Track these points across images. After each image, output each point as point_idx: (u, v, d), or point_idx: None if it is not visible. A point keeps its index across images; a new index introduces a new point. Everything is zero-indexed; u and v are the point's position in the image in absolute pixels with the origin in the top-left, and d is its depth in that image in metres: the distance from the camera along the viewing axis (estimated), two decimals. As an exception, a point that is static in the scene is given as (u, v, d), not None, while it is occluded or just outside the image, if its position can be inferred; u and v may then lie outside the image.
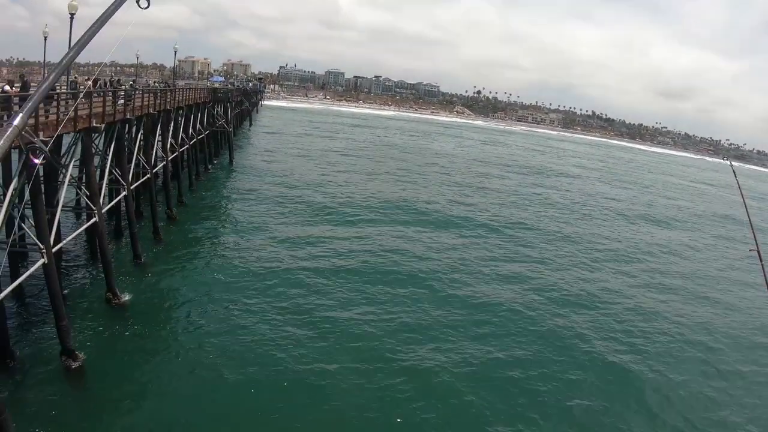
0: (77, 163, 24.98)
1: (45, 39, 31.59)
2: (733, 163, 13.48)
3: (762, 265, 10.93)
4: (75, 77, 26.34)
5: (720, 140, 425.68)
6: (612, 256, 41.45)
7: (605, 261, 39.74)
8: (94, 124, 22.06)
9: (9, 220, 15.18)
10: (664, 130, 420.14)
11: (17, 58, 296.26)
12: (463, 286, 30.02)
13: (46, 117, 18.50)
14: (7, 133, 3.68)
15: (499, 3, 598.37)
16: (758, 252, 11.26)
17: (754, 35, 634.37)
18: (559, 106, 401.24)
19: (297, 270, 29.13)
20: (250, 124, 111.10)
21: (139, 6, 7.90)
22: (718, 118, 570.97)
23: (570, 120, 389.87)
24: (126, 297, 22.06)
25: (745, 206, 12.74)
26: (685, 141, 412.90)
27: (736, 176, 12.90)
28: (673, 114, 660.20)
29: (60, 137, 20.29)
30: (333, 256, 32.28)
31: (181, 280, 26.03)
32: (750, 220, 12.57)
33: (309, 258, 31.25)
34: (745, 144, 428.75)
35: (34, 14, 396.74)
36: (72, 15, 24.17)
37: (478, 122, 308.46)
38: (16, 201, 16.53)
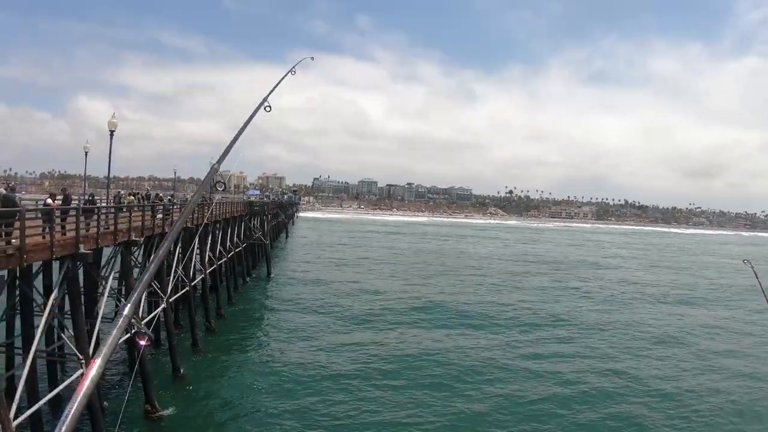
0: (117, 275, 25.34)
1: (86, 154, 32.98)
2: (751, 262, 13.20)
3: None
4: (119, 191, 27.19)
5: (756, 213, 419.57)
6: (656, 341, 39.84)
7: (649, 347, 38.10)
8: (134, 238, 22.53)
9: (49, 329, 15.21)
10: (698, 210, 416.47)
11: (59, 171, 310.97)
12: (504, 383, 28.95)
13: (87, 230, 18.91)
14: (120, 322, 4.10)
15: (523, 102, 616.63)
16: None
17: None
18: (591, 198, 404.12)
19: (338, 376, 28.47)
20: (287, 236, 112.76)
21: (265, 110, 9.06)
22: (751, 191, 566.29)
23: (603, 211, 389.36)
24: (165, 411, 21.63)
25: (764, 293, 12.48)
26: (721, 218, 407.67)
27: (757, 276, 12.72)
28: (705, 193, 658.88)
29: (100, 249, 20.65)
30: (373, 361, 31.38)
31: (220, 392, 25.51)
32: None
33: (349, 364, 30.55)
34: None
35: (75, 129, 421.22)
36: (112, 132, 25.29)
37: (512, 222, 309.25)
38: (56, 311, 16.64)
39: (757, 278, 12.92)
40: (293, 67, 12.20)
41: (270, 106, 9.91)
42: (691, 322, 48.12)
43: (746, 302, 59.30)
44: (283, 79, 11.86)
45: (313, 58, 13.51)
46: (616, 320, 46.73)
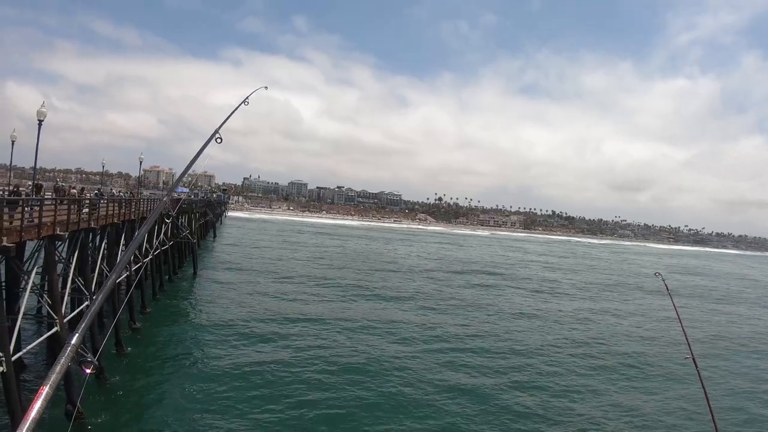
0: (40, 270, 24.52)
1: (12, 143, 31.70)
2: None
3: (698, 371, 11.43)
4: (38, 183, 26.22)
5: (679, 227, 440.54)
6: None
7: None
8: (58, 232, 21.86)
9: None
10: (623, 222, 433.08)
11: None
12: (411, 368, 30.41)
13: (11, 222, 18.29)
14: (67, 352, 4.27)
15: (454, 110, 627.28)
16: (693, 359, 11.75)
17: (700, 122, 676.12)
18: (519, 207, 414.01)
19: (262, 372, 29.40)
20: (214, 236, 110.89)
21: (216, 142, 9.09)
22: (675, 205, 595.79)
23: (531, 221, 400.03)
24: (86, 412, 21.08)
25: (678, 317, 13.40)
26: (645, 231, 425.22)
27: (668, 289, 13.62)
28: (631, 206, 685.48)
29: (23, 243, 19.98)
30: (290, 360, 32.21)
31: (143, 392, 25.08)
32: (684, 330, 13.11)
33: (270, 362, 31.10)
34: (703, 228, 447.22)
35: (2, 117, 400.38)
36: (40, 121, 24.45)
37: (440, 228, 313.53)
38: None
39: (668, 289, 13.70)
40: (246, 97, 12.23)
41: (221, 138, 9.93)
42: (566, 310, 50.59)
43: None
44: (236, 109, 11.91)
45: (266, 87, 13.57)
46: (496, 305, 48.55)
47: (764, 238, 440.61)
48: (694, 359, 11.71)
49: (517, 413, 27.40)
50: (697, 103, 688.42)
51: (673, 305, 13.85)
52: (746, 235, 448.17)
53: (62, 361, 4.20)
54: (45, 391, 3.88)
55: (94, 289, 27.76)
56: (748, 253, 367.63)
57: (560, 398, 30.55)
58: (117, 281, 31.52)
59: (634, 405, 30.79)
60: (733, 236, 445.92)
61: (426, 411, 26.63)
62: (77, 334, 4.52)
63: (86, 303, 26.15)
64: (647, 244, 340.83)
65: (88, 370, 4.98)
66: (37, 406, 3.76)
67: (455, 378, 32.20)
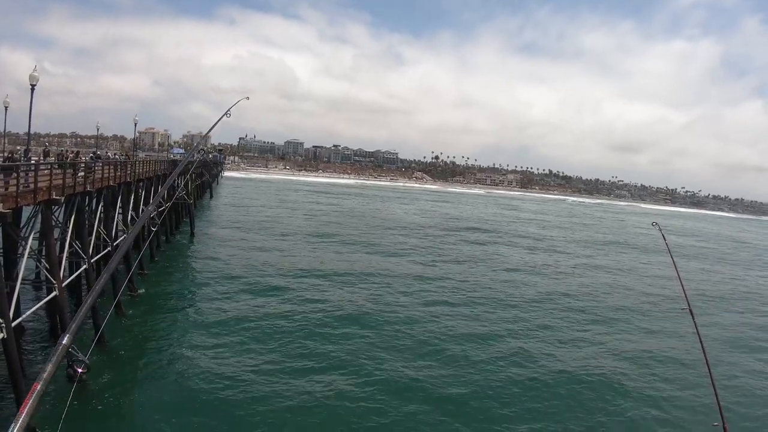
0: (37, 235, 24.51)
1: (6, 109, 31.39)
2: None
3: (695, 322, 11.51)
4: (47, 149, 26.02)
5: (676, 189, 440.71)
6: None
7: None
8: (54, 197, 21.77)
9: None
10: (620, 183, 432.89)
11: None
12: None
13: (6, 188, 18.20)
14: (59, 351, 4.49)
15: (452, 68, 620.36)
16: (690, 311, 11.82)
17: (700, 85, 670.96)
18: (516, 167, 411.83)
19: (261, 325, 30.61)
20: (211, 196, 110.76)
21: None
22: (674, 168, 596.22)
23: (528, 180, 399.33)
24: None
25: (675, 266, 13.37)
26: (642, 192, 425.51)
27: (664, 237, 13.58)
28: (629, 167, 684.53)
29: (20, 209, 19.93)
30: (296, 306, 34.19)
31: (142, 356, 25.31)
32: (680, 279, 13.12)
33: (268, 326, 31.14)
34: (700, 191, 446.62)
35: None
36: (33, 86, 24.14)
37: (436, 186, 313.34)
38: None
39: (665, 239, 13.69)
40: (228, 110, 12.14)
41: (205, 149, 9.86)
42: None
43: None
44: (219, 121, 11.81)
45: (248, 98, 13.43)
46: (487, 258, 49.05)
47: (760, 202, 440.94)
48: (690, 310, 11.80)
49: (511, 361, 28.27)
50: (697, 66, 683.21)
51: (671, 256, 13.74)
52: (743, 199, 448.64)
53: (54, 360, 4.23)
54: (38, 388, 3.94)
55: (92, 252, 27.84)
56: (744, 216, 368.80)
57: (556, 347, 31.38)
58: (115, 243, 31.62)
59: (631, 354, 31.56)
60: (730, 199, 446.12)
61: (424, 357, 27.99)
62: (68, 335, 4.53)
63: (84, 267, 26.22)
64: (641, 205, 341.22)
65: (80, 370, 4.98)
66: (30, 402, 3.80)
67: (450, 326, 33.93)
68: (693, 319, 11.53)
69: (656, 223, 13.96)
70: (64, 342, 4.39)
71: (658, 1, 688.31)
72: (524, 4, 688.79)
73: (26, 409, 3.72)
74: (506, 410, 22.99)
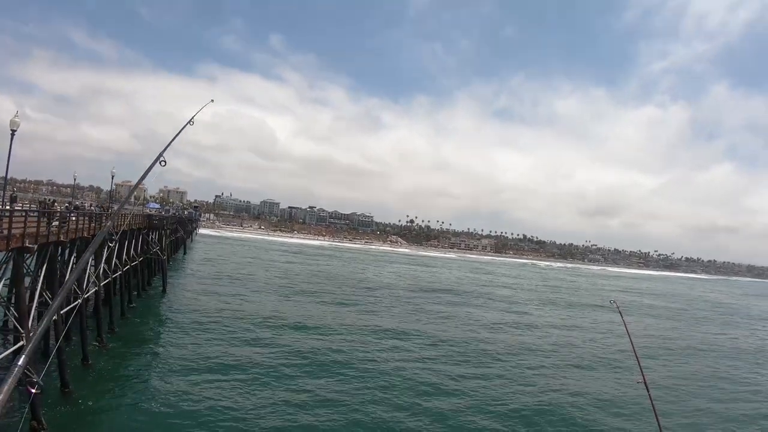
0: (7, 282, 24.05)
1: (-18, 152, 31.28)
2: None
3: (649, 395, 11.75)
4: (14, 191, 25.80)
5: (649, 252, 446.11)
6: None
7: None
8: (27, 245, 21.50)
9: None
10: (594, 247, 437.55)
11: None
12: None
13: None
14: (15, 372, 4.44)
15: (429, 132, 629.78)
16: (645, 383, 12.06)
17: (670, 149, 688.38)
18: (491, 231, 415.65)
19: (227, 398, 28.64)
20: (185, 252, 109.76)
21: (160, 165, 9.06)
22: (646, 231, 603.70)
23: (502, 244, 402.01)
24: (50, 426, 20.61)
25: (630, 339, 13.71)
26: (615, 256, 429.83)
27: (621, 315, 13.98)
28: (602, 231, 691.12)
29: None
30: (259, 380, 31.81)
31: (108, 411, 24.61)
32: (635, 352, 13.49)
33: (238, 387, 30.34)
34: (673, 253, 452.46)
35: None
36: (13, 131, 24.13)
37: (408, 250, 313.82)
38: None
39: (622, 316, 13.98)
40: (191, 118, 12.42)
41: (165, 161, 9.98)
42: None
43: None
44: (181, 130, 12.00)
45: (213, 100, 13.78)
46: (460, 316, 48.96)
47: (732, 262, 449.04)
48: (645, 383, 11.98)
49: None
50: (667, 130, 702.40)
51: (627, 332, 13.98)
52: (715, 260, 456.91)
53: (9, 381, 4.24)
54: None
55: (62, 305, 27.31)
56: (716, 277, 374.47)
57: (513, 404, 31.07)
58: (86, 296, 31.09)
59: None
60: (703, 261, 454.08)
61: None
62: (23, 356, 4.53)
63: (53, 318, 25.66)
64: (608, 268, 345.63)
65: (33, 390, 5.00)
66: None
67: (420, 378, 34.70)
68: (648, 391, 11.83)
69: (614, 301, 14.34)
70: (20, 363, 4.41)
71: (629, 68, 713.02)
72: (499, 71, 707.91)
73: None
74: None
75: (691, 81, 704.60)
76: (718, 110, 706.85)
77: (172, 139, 10.73)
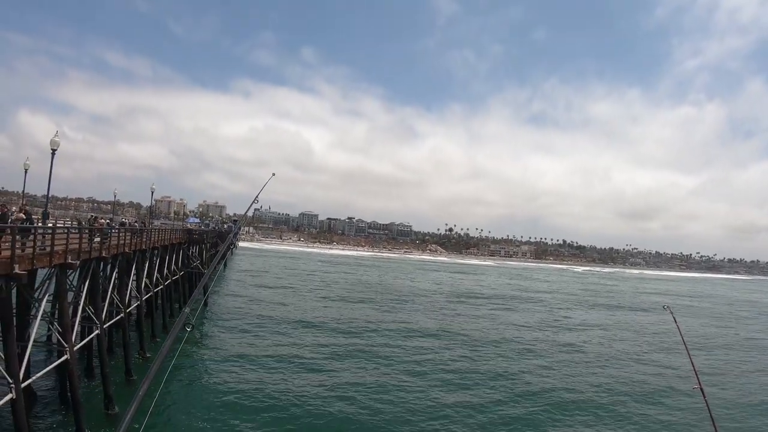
0: (50, 298, 24.59)
1: (26, 171, 32.16)
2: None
3: (706, 400, 11.37)
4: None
5: (690, 254, 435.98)
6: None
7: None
8: (70, 261, 21.96)
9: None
10: (635, 251, 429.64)
11: None
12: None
13: (23, 250, 18.43)
14: (182, 316, 4.43)
15: (463, 140, 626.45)
16: (701, 389, 11.68)
17: (707, 149, 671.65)
18: (530, 237, 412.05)
19: (276, 407, 28.88)
20: (225, 266, 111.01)
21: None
22: (686, 232, 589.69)
23: (542, 250, 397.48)
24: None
25: (685, 346, 13.28)
26: (657, 259, 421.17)
27: (675, 320, 13.55)
28: (641, 234, 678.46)
29: (35, 271, 20.10)
30: (309, 394, 31.57)
31: (150, 424, 24.85)
32: (691, 358, 13.07)
33: (285, 399, 30.35)
34: (715, 254, 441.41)
35: (16, 145, 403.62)
36: (54, 150, 24.76)
37: (447, 259, 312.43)
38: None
39: (676, 322, 13.62)
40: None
41: (261, 206, 10.07)
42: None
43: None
44: (268, 181, 12.08)
45: (274, 174, 13.92)
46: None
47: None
48: (702, 389, 11.66)
49: None
50: (704, 129, 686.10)
51: (681, 338, 13.64)
52: (758, 261, 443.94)
53: (178, 321, 4.30)
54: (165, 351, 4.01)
55: (105, 318, 27.85)
56: (760, 277, 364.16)
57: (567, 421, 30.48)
58: (128, 310, 31.65)
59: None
60: (746, 262, 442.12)
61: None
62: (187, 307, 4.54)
63: (96, 332, 26.18)
64: (645, 271, 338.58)
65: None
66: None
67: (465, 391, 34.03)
68: (704, 397, 11.50)
69: (668, 306, 14.01)
70: (186, 310, 4.56)
71: (662, 67, 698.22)
72: (531, 76, 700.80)
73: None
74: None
75: (726, 78, 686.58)
76: (755, 107, 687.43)
77: (261, 189, 11.00)
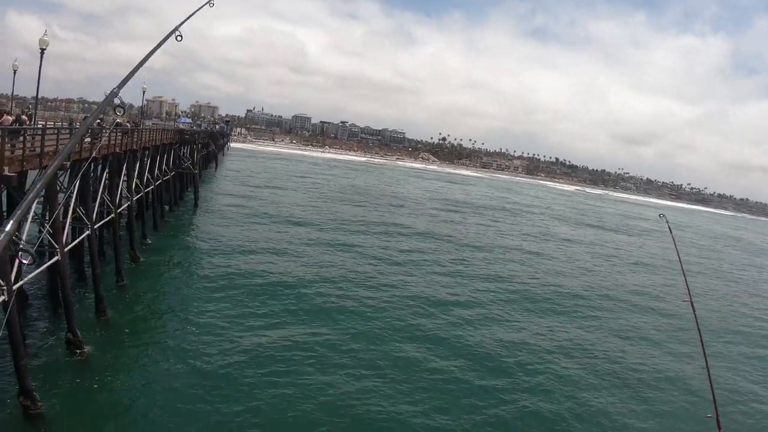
0: (41, 199, 24.52)
1: (14, 72, 31.39)
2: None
3: (695, 314, 11.59)
4: (23, 111, 25.89)
5: (681, 185, 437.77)
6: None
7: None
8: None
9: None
10: (626, 175, 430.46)
11: None
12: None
13: (12, 152, 18.22)
14: (0, 238, 4.04)
15: (462, 50, 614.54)
16: (691, 303, 11.88)
17: (708, 81, 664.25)
18: (523, 153, 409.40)
19: (262, 304, 30.07)
20: (216, 167, 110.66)
21: (176, 39, 8.59)
22: (679, 162, 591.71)
23: (534, 167, 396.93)
24: (86, 348, 21.23)
25: (679, 258, 13.37)
26: (647, 186, 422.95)
27: (671, 230, 13.53)
28: (635, 159, 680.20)
29: (25, 173, 19.96)
30: (294, 305, 31.80)
31: (140, 327, 25.32)
32: (683, 271, 13.19)
33: (270, 309, 30.51)
34: (706, 188, 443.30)
35: (3, 46, 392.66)
36: (42, 50, 24.06)
37: (439, 168, 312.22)
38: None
39: (671, 232, 13.67)
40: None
41: (181, 35, 9.54)
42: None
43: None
44: (199, 10, 11.40)
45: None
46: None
47: (765, 203, 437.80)
48: (692, 303, 11.92)
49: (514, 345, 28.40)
50: (707, 61, 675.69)
51: (675, 247, 13.67)
52: (747, 199, 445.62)
53: None
54: None
55: (95, 219, 27.91)
56: (746, 215, 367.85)
57: (560, 333, 31.69)
58: (118, 211, 31.69)
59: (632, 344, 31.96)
60: (735, 198, 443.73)
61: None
62: (11, 221, 4.30)
63: (87, 233, 26.30)
64: (632, 197, 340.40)
65: (25, 261, 4.76)
66: None
67: (451, 303, 35.21)
68: (694, 312, 11.68)
69: (663, 215, 13.89)
70: (7, 229, 4.20)
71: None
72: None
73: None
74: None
75: (734, 11, 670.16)
76: (761, 44, 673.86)
77: (190, 15, 10.43)
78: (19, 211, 4.51)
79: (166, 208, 51.07)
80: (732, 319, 42.87)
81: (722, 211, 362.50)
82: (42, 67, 24.12)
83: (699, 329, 11.51)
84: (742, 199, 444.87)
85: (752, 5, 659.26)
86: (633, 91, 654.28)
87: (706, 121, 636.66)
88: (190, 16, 10.42)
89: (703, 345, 11.27)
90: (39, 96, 27.57)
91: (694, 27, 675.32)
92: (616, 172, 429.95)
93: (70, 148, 6.60)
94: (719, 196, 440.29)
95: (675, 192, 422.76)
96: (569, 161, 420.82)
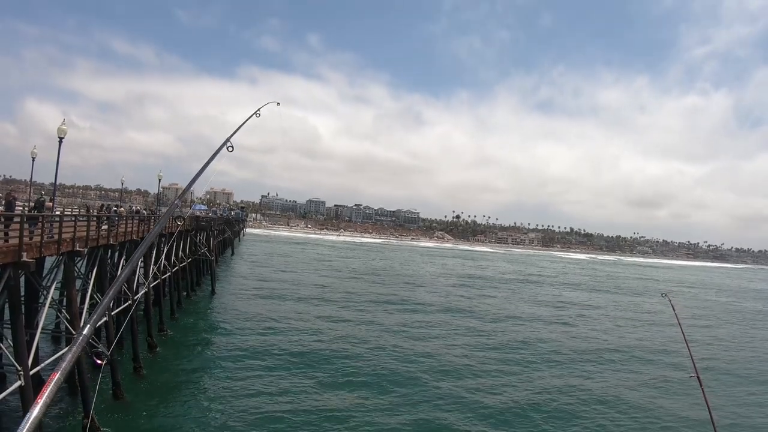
0: (59, 285, 24.72)
1: (33, 159, 32.21)
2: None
3: (703, 389, 11.37)
4: (41, 195, 26.42)
5: (698, 243, 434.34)
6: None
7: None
8: (78, 248, 22.05)
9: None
10: (642, 239, 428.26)
11: (3, 175, 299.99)
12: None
13: (30, 238, 18.50)
14: (78, 341, 4.27)
15: (471, 127, 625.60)
16: (698, 378, 11.68)
17: (714, 137, 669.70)
18: (537, 225, 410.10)
19: (283, 402, 28.64)
20: (233, 253, 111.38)
21: (227, 150, 9.02)
22: (693, 221, 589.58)
23: (549, 238, 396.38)
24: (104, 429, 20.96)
25: (683, 334, 13.24)
26: (664, 247, 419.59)
27: (674, 309, 13.48)
28: (649, 222, 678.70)
29: (43, 259, 20.18)
30: (314, 385, 31.68)
31: (159, 413, 24.93)
32: (688, 347, 13.06)
33: (292, 391, 30.27)
34: (723, 243, 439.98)
35: (23, 133, 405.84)
36: (61, 139, 24.78)
37: (453, 246, 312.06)
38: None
39: (674, 310, 13.57)
40: (258, 109, 12.17)
41: (233, 146, 9.89)
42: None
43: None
44: (247, 120, 11.89)
45: (279, 103, 13.29)
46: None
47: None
48: (698, 377, 11.70)
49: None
50: (711, 119, 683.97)
51: (680, 326, 13.59)
52: (766, 251, 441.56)
53: (74, 349, 4.23)
54: (56, 377, 3.91)
55: (113, 306, 27.96)
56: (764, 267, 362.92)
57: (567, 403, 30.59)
58: (136, 297, 31.79)
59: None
60: (753, 251, 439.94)
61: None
62: (89, 326, 4.54)
63: (104, 319, 26.29)
64: (650, 260, 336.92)
65: (99, 361, 4.94)
66: (48, 390, 3.78)
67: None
68: (701, 386, 11.56)
69: (666, 295, 13.93)
70: (84, 332, 4.40)
71: (670, 54, 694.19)
72: (538, 62, 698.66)
73: (42, 399, 3.69)
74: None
75: (733, 66, 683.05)
76: (762, 96, 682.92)
77: (240, 126, 10.80)
78: (95, 315, 4.78)
79: (184, 294, 51.10)
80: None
81: (741, 266, 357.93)
82: (60, 154, 24.79)
83: (708, 406, 11.36)
84: (760, 251, 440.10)
85: (751, 58, 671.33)
86: (641, 155, 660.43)
87: (715, 178, 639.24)
88: (240, 127, 10.93)
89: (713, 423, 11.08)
90: (57, 182, 28.14)
91: (696, 85, 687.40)
92: (631, 237, 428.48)
93: (156, 232, 6.93)
94: (737, 250, 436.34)
95: (692, 251, 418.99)
96: (584, 230, 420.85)
